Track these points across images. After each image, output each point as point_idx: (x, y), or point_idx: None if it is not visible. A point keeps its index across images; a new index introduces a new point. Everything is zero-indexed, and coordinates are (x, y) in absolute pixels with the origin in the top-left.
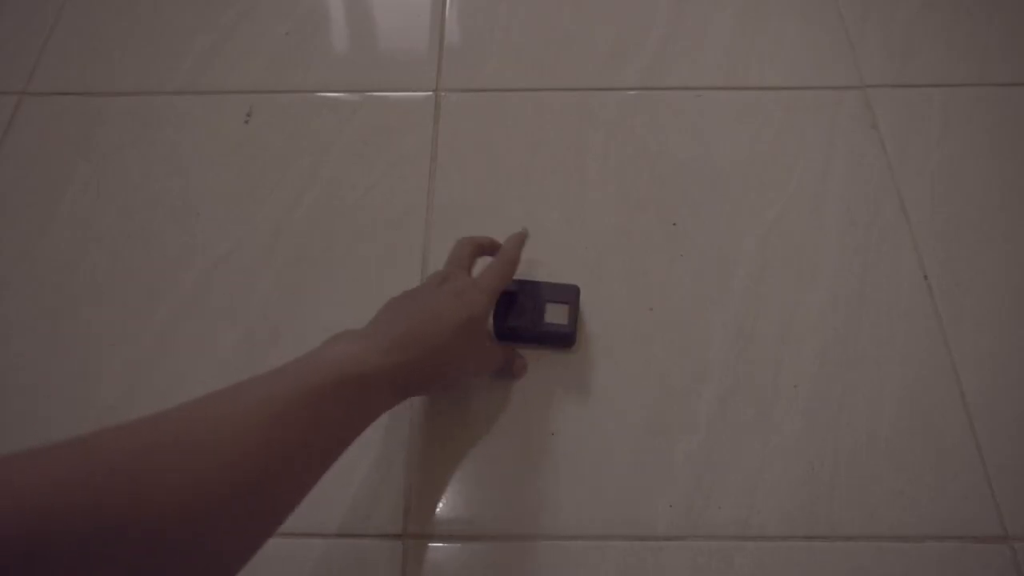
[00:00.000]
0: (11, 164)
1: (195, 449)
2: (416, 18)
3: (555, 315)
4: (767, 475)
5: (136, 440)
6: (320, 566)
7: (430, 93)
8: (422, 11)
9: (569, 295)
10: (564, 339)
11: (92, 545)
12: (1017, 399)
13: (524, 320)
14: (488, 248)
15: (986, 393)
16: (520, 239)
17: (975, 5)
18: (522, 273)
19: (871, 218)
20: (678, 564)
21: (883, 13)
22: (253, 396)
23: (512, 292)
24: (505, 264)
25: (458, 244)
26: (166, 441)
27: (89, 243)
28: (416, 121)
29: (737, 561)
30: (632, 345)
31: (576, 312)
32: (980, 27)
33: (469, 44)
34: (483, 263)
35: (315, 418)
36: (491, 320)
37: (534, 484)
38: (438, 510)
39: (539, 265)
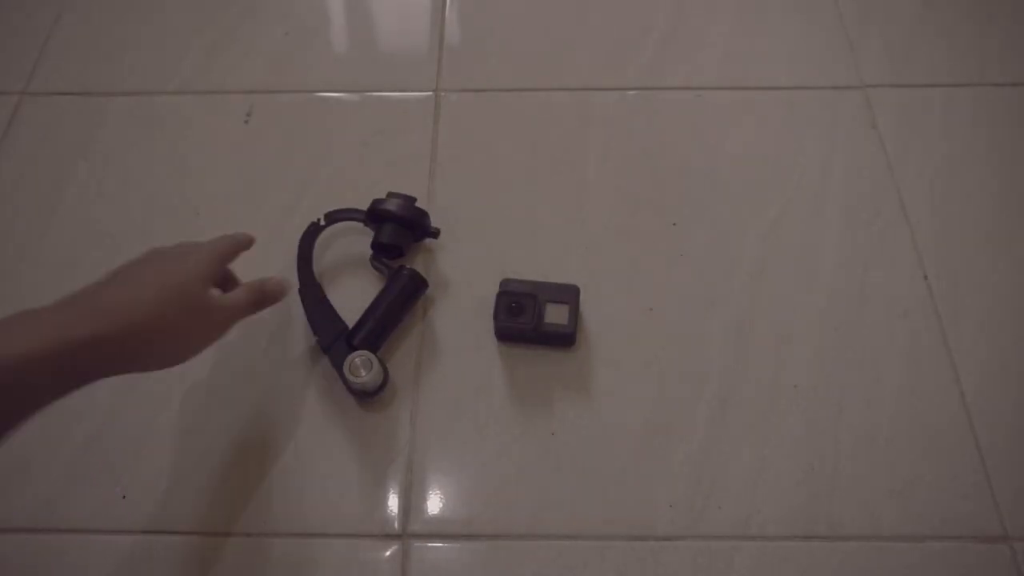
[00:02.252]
0: (11, 164)
1: None
2: (416, 18)
3: (555, 315)
4: (767, 475)
5: None
6: (320, 566)
7: (430, 93)
8: (422, 11)
9: (569, 295)
10: (564, 339)
11: None
12: (1017, 399)
13: (524, 320)
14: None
15: (986, 393)
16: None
17: (975, 5)
18: (522, 273)
19: (871, 218)
20: (678, 564)
21: (883, 13)
22: None
23: (512, 292)
24: (229, 241)
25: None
26: None
27: (89, 243)
28: (416, 121)
29: (737, 561)
30: (632, 345)
31: (576, 312)
32: (980, 27)
33: (469, 44)
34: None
35: None
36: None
37: (534, 484)
38: (438, 510)
39: (539, 265)
